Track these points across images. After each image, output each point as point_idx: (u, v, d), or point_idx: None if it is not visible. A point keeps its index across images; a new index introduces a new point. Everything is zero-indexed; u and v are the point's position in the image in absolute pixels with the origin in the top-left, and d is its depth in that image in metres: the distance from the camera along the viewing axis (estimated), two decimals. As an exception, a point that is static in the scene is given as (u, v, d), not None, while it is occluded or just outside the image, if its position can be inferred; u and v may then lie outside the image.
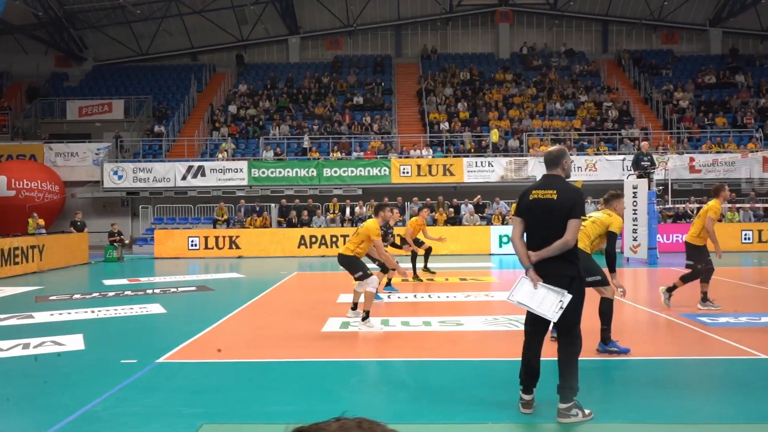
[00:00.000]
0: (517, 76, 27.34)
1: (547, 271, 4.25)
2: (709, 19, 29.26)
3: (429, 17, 30.18)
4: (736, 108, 24.88)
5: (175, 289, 11.39)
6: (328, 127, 24.59)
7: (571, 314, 4.23)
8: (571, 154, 21.38)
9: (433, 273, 12.87)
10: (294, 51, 30.29)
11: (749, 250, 18.18)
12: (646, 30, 30.07)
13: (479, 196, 20.80)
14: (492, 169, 21.53)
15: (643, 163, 14.32)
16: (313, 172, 22.00)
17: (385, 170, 21.77)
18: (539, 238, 4.29)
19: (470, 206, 20.46)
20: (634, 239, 15.23)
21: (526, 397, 4.34)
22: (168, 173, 21.95)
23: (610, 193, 6.72)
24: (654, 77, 27.29)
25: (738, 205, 19.49)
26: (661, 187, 15.66)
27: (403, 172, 21.70)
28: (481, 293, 10.46)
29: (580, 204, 4.26)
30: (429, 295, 10.24)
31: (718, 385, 5.38)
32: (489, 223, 19.99)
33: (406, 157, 22.43)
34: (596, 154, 21.85)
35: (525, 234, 4.41)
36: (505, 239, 18.91)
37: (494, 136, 22.78)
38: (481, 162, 21.71)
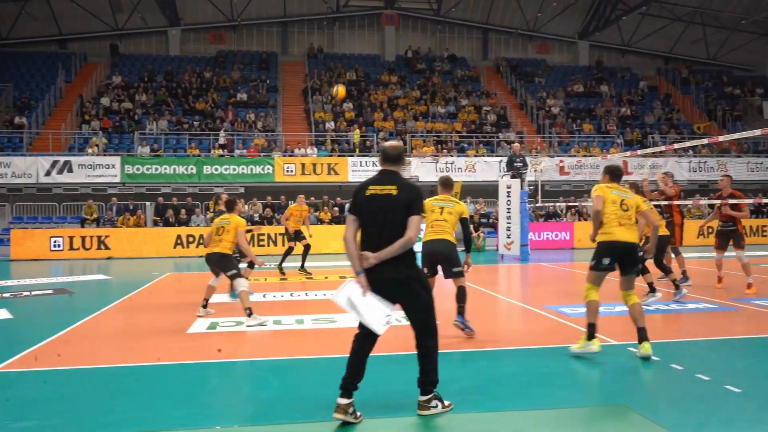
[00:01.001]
0: (402, 79, 27.80)
1: (384, 274, 3.96)
2: (578, 32, 31.29)
3: (316, 16, 30.01)
4: (601, 116, 26.76)
5: (28, 293, 10.44)
6: (209, 124, 23.73)
7: (424, 314, 4.15)
8: (451, 156, 22.36)
9: (309, 274, 12.58)
10: (174, 43, 28.99)
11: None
12: (523, 40, 31.65)
13: (363, 196, 20.89)
14: (377, 169, 21.67)
15: (515, 164, 14.97)
16: (192, 169, 21.11)
17: (268, 168, 21.33)
18: (376, 236, 3.97)
19: None
20: (508, 236, 15.89)
21: (344, 402, 3.93)
22: (29, 168, 20.21)
23: (443, 178, 7.03)
24: (529, 84, 28.76)
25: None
26: (532, 187, 16.45)
27: (287, 171, 21.37)
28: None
29: (421, 200, 4.07)
30: (306, 293, 10.07)
31: (572, 371, 5.61)
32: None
33: (291, 156, 22.12)
34: (475, 156, 22.64)
35: (360, 234, 4.05)
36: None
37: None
38: (366, 161, 21.83)
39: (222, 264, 7.66)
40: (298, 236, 12.27)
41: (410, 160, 21.88)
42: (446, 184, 6.89)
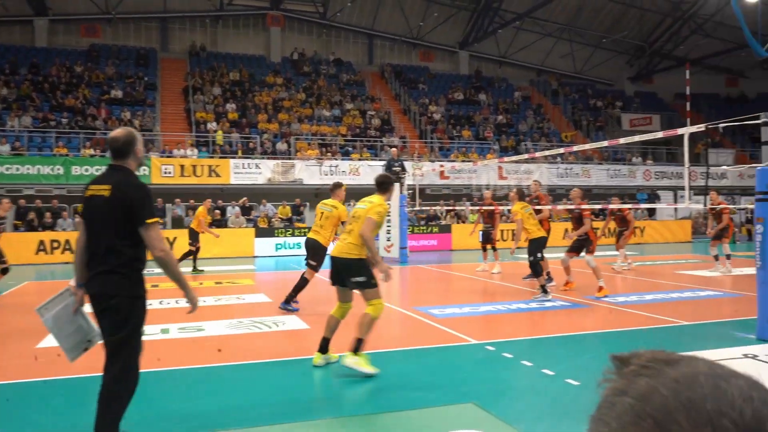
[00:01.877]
0: (287, 81, 27.61)
1: (104, 288, 3.37)
2: (458, 42, 32.57)
3: (198, 13, 29.12)
4: (479, 123, 28.03)
5: None
6: (80, 121, 22.35)
7: (117, 344, 3.37)
8: (335, 159, 22.50)
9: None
10: (41, 34, 27.02)
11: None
12: (407, 47, 32.47)
13: (245, 198, 20.56)
14: (259, 171, 21.42)
15: (394, 168, 15.35)
16: (59, 169, 19.76)
17: (144, 170, 20.38)
18: (94, 245, 3.42)
19: (237, 208, 20.11)
20: (388, 239, 16.25)
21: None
22: None
23: (334, 183, 7.18)
24: (412, 90, 29.56)
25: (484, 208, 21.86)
26: (411, 191, 16.93)
27: (165, 173, 20.55)
28: (233, 296, 10.28)
29: (144, 205, 3.39)
30: (176, 301, 9.77)
31: (428, 372, 5.73)
32: (254, 225, 19.85)
33: (169, 157, 21.31)
34: (359, 160, 22.94)
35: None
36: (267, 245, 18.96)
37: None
38: (249, 164, 21.48)
39: None
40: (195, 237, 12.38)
41: (294, 163, 21.80)
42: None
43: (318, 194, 23.11)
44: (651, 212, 24.51)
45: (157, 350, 6.35)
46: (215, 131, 23.30)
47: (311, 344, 6.51)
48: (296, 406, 4.62)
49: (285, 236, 19.17)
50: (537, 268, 9.53)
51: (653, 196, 25.07)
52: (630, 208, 13.64)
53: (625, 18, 30.88)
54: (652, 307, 8.70)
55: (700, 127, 8.24)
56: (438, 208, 20.49)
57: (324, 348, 5.65)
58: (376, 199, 5.76)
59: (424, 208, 20.02)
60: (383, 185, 5.86)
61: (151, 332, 7.23)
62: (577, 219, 10.23)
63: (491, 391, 4.88)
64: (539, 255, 9.47)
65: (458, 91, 30.17)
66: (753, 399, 0.50)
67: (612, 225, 14.23)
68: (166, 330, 7.40)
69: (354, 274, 5.53)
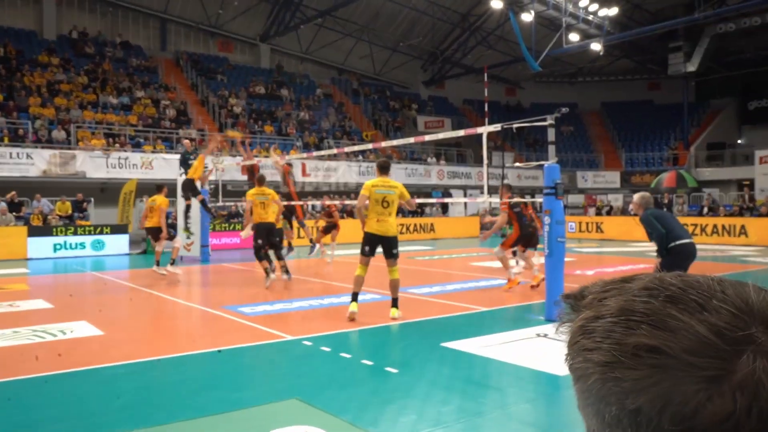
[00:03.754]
0: (65, 61, 24.56)
1: None
2: (259, 35, 31.76)
3: (-52, -26, 24.68)
4: (282, 118, 27.59)
5: None
6: None
7: None
8: (125, 151, 20.54)
9: None
10: None
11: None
12: (204, 35, 30.83)
13: (14, 192, 17.85)
14: (32, 162, 18.71)
15: (190, 161, 14.28)
16: None
17: None
18: None
19: (2, 204, 17.32)
20: (188, 237, 15.14)
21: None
22: None
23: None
24: (211, 81, 28.15)
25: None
26: (213, 186, 15.98)
27: None
28: (5, 303, 8.71)
29: None
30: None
31: (246, 372, 5.43)
32: (26, 223, 17.27)
33: None
34: (153, 152, 21.18)
35: None
36: (44, 245, 16.66)
37: None
38: (18, 153, 18.65)
39: None
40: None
41: (75, 153, 19.42)
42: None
43: (104, 189, 20.90)
44: (444, 209, 26.17)
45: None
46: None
47: (108, 351, 5.72)
48: (96, 419, 3.98)
49: (66, 235, 16.94)
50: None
51: (446, 194, 26.78)
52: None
53: (419, 24, 32.59)
54: (453, 296, 9.14)
55: (497, 127, 8.77)
56: (242, 204, 19.66)
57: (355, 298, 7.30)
58: (392, 181, 7.38)
59: (226, 204, 19.13)
60: (388, 167, 7.51)
61: None
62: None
63: (313, 385, 4.79)
64: None
65: (260, 85, 29.40)
66: (722, 281, 0.52)
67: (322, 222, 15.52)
68: None
69: (396, 247, 7.28)
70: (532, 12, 26.05)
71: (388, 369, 5.13)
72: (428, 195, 26.38)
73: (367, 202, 7.36)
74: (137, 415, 4.09)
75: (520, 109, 36.59)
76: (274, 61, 32.38)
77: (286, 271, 10.85)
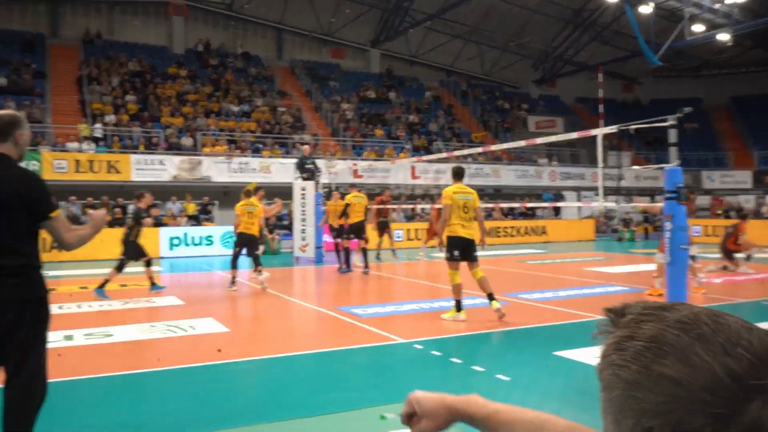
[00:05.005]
0: (192, 73, 26.39)
1: (5, 294, 2.91)
2: (369, 40, 32.46)
3: (93, -3, 27.27)
4: (391, 121, 28.02)
5: None
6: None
7: (30, 350, 2.97)
8: (244, 155, 21.73)
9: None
10: None
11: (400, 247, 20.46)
12: (317, 43, 31.96)
13: (151, 197, 19.40)
14: (164, 168, 20.27)
15: (307, 166, 14.88)
16: (-67, 163, 17.79)
17: (34, 164, 18.74)
18: None
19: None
20: (303, 239, 15.79)
21: None
22: None
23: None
24: (324, 88, 29.12)
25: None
26: (326, 189, 16.56)
27: (58, 168, 18.99)
28: (142, 299, 9.54)
29: (43, 197, 3.02)
30: (78, 305, 8.92)
31: (360, 373, 5.62)
32: (160, 224, 18.73)
33: (62, 151, 19.72)
34: (270, 157, 22.26)
35: None
36: (176, 241, 17.99)
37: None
38: (152, 160, 20.28)
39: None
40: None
41: (201, 159, 20.82)
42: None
43: (227, 192, 22.22)
44: (556, 211, 25.46)
45: (67, 358, 5.68)
46: (114, 124, 21.84)
47: (231, 348, 6.11)
48: (224, 413, 4.32)
49: (193, 235, 18.24)
50: None
51: (558, 196, 26.03)
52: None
53: (530, 23, 31.92)
54: (566, 302, 8.89)
55: (613, 128, 8.45)
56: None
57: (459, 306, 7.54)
58: (467, 187, 7.79)
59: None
60: (460, 173, 7.95)
61: (53, 339, 6.49)
62: None
63: (425, 389, 4.69)
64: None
65: (370, 89, 30.04)
66: (752, 329, 0.57)
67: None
68: (70, 336, 6.70)
69: (476, 250, 7.63)
70: (651, 4, 24.73)
71: (500, 376, 5.09)
72: (539, 197, 25.78)
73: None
74: (259, 410, 4.36)
75: (639, 106, 34.81)
76: (384, 65, 32.95)
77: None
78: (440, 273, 13.31)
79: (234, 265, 10.72)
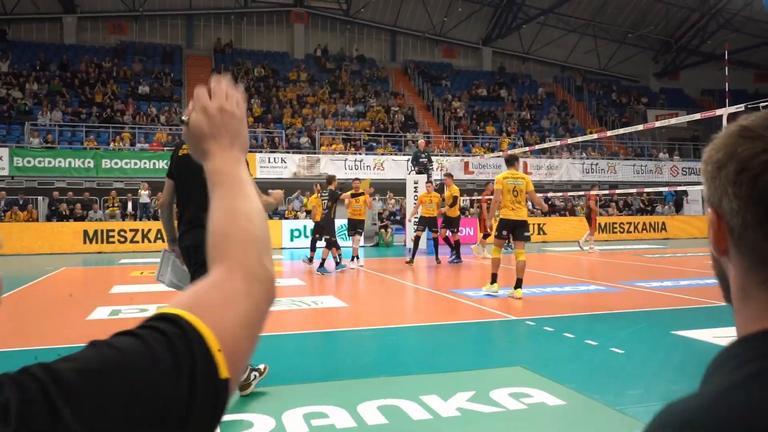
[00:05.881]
0: (310, 77, 27.78)
1: (185, 241, 3.63)
2: (481, 38, 32.51)
3: (223, 10, 29.43)
4: (503, 118, 27.95)
5: None
6: (108, 116, 22.67)
7: None
8: (359, 153, 22.55)
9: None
10: (70, 32, 27.49)
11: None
12: (429, 43, 32.49)
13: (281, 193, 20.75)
14: (285, 166, 21.58)
15: (421, 159, 15.34)
16: (90, 163, 20.09)
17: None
18: (185, 199, 3.67)
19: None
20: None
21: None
22: None
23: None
24: (435, 87, 29.57)
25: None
26: (438, 183, 16.92)
27: (193, 166, 20.79)
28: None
29: None
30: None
31: (472, 341, 5.94)
32: (282, 217, 20.00)
33: (197, 151, 21.51)
34: (383, 155, 23.01)
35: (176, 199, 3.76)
36: (296, 233, 19.08)
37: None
38: (274, 158, 21.64)
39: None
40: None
41: (319, 157, 21.94)
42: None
43: (343, 188, 23.23)
44: (678, 207, 24.27)
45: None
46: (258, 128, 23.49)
47: (351, 319, 6.67)
48: (349, 368, 4.76)
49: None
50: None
51: (680, 192, 24.79)
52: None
53: (650, 13, 30.60)
54: (687, 290, 8.72)
55: (740, 107, 8.18)
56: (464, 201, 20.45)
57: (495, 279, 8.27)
58: (519, 173, 8.19)
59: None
60: (512, 160, 8.36)
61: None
62: None
63: (537, 357, 5.00)
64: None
65: (481, 87, 30.11)
66: None
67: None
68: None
69: (528, 230, 8.13)
70: (789, -15, 22.94)
71: (614, 349, 5.17)
72: (659, 194, 24.69)
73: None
74: (381, 368, 4.80)
75: (774, 96, 32.26)
76: (496, 63, 32.87)
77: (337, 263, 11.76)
78: (542, 263, 13.30)
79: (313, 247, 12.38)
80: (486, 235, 15.04)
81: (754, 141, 0.62)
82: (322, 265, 11.37)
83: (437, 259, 13.29)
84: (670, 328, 6.00)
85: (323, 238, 11.68)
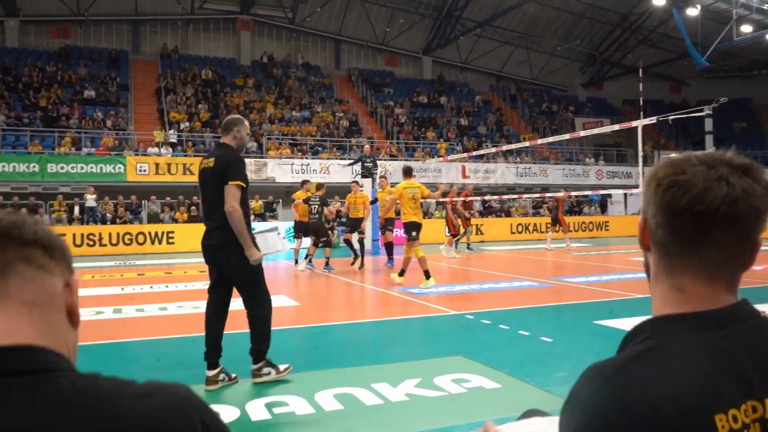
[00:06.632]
0: (257, 83, 28.44)
1: (208, 240, 4.31)
2: (422, 48, 33.92)
3: (169, 16, 29.67)
4: (443, 125, 29.38)
5: None
6: (53, 121, 22.73)
7: (245, 283, 4.33)
8: (306, 158, 23.40)
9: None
10: (12, 35, 27.18)
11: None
12: (373, 52, 33.64)
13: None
14: (234, 170, 22.16)
15: (366, 164, 16.37)
16: (35, 167, 20.15)
17: (120, 168, 20.96)
18: (204, 209, 4.39)
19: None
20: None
21: (211, 373, 4.23)
22: None
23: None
24: (378, 94, 30.74)
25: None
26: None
27: (140, 170, 21.15)
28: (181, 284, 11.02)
29: (233, 165, 4.14)
30: (185, 285, 10.53)
31: (415, 335, 6.60)
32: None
33: (144, 155, 21.91)
34: (329, 159, 23.96)
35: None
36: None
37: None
38: (223, 163, 22.18)
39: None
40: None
41: (266, 161, 22.69)
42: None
43: (289, 192, 24.05)
44: (603, 209, 26.28)
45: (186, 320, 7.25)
46: (188, 130, 23.98)
47: (303, 317, 7.45)
48: (318, 361, 5.26)
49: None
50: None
51: (605, 194, 26.79)
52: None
53: (577, 28, 32.75)
54: (610, 284, 9.63)
55: (652, 120, 9.51)
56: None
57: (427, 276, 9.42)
58: (415, 182, 9.62)
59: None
60: (408, 171, 9.67)
61: (149, 310, 8.15)
62: None
63: (475, 347, 5.47)
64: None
65: (422, 95, 31.49)
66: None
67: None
68: (164, 308, 8.29)
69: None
70: (698, 6, 25.27)
71: (544, 338, 5.65)
72: (585, 196, 26.60)
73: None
74: (335, 360, 5.16)
75: (686, 106, 34.95)
76: (435, 72, 34.33)
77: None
78: (480, 261, 14.42)
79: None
80: (455, 235, 16.16)
81: (669, 167, 0.80)
82: (327, 263, 12.51)
83: (354, 260, 13.31)
84: (593, 318, 6.62)
85: (321, 241, 12.70)
